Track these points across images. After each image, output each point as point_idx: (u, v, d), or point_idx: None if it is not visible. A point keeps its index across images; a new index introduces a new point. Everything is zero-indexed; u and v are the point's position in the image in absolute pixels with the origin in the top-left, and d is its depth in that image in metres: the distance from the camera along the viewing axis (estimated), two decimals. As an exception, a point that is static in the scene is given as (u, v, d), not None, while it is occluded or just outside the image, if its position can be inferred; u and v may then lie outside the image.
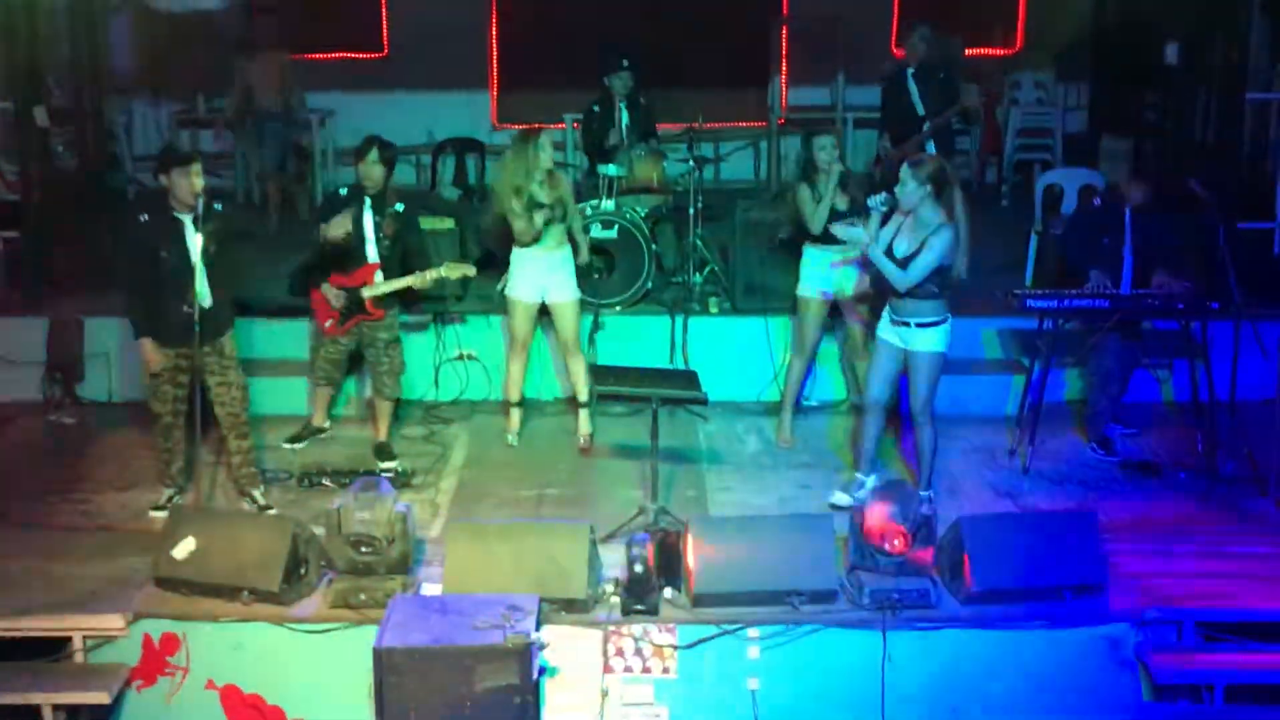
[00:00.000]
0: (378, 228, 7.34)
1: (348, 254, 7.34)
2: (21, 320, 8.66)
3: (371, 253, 7.36)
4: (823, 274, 7.62)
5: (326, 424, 7.94)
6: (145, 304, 6.74)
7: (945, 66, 9.30)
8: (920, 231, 6.56)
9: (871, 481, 6.94)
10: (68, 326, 8.53)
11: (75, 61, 9.28)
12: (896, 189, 6.61)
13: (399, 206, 7.43)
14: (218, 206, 6.74)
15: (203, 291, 6.63)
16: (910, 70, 8.90)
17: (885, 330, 6.83)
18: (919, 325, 6.66)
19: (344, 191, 7.47)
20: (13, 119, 9.25)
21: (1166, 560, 6.45)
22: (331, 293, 7.36)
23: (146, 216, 6.75)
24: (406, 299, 7.67)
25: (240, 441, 6.98)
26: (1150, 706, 6.05)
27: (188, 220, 6.63)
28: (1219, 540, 6.67)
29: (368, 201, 7.33)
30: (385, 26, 12.50)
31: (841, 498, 6.99)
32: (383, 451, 7.60)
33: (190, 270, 6.58)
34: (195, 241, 6.59)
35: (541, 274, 7.61)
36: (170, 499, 6.95)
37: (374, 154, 7.30)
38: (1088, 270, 7.45)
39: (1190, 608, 6.07)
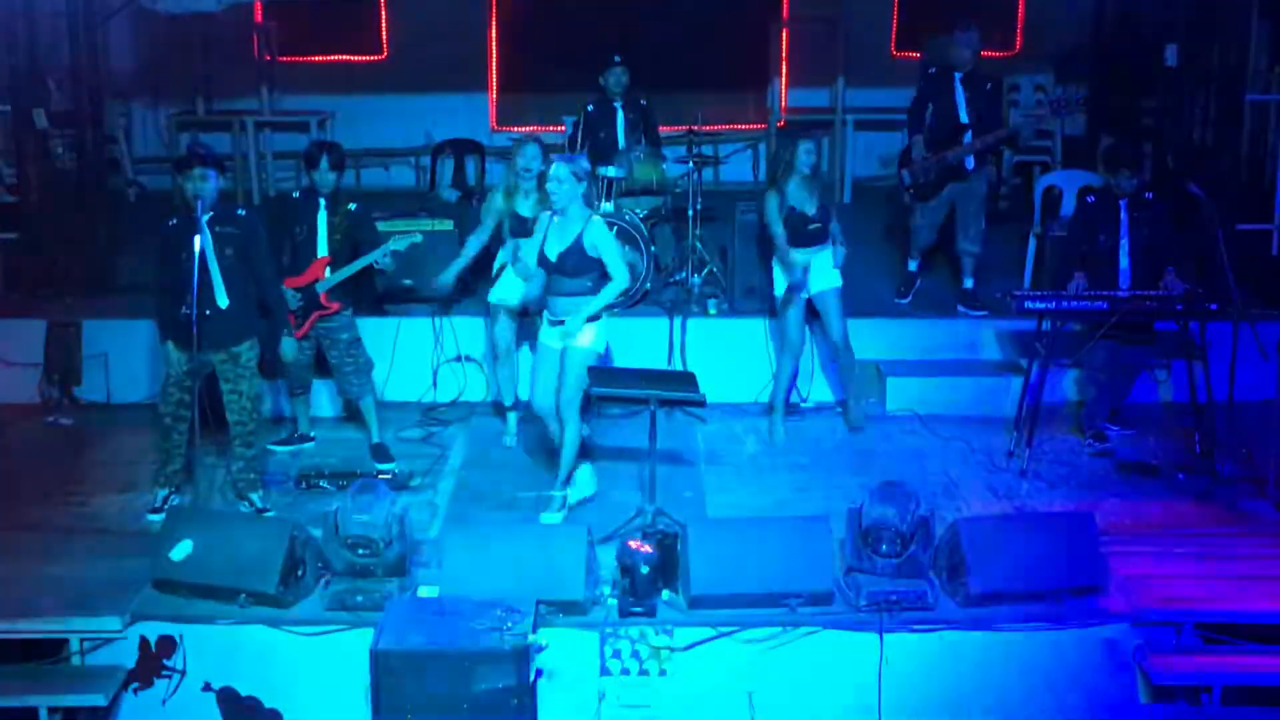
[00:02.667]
0: (332, 227, 7.39)
1: (302, 255, 7.39)
2: (20, 322, 8.65)
3: (322, 249, 7.40)
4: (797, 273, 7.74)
5: (312, 432, 7.95)
6: (165, 306, 6.79)
7: (996, 78, 8.90)
8: (570, 227, 6.67)
9: (571, 495, 6.95)
10: (66, 328, 8.53)
11: (74, 63, 9.28)
12: (549, 186, 6.72)
13: (352, 206, 7.49)
14: (240, 211, 6.81)
15: (221, 295, 6.67)
16: (959, 74, 8.58)
17: (546, 335, 6.88)
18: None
19: (296, 194, 7.55)
20: (12, 121, 9.27)
21: (1165, 561, 6.44)
22: (288, 293, 7.36)
23: (175, 220, 6.79)
24: (362, 295, 7.73)
25: (245, 450, 6.98)
26: (1148, 708, 6.04)
27: (205, 222, 6.66)
28: (1217, 541, 6.66)
29: (322, 202, 7.39)
30: (384, 29, 12.51)
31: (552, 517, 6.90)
32: (380, 453, 7.60)
33: (205, 273, 6.61)
34: (212, 243, 6.64)
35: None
36: (165, 500, 6.95)
37: (325, 162, 7.33)
38: (1073, 272, 7.47)
39: (1189, 609, 6.06)
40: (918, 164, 8.65)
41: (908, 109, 9.02)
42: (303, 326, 7.43)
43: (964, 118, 8.55)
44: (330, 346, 7.53)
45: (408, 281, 8.46)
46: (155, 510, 6.92)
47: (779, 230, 7.67)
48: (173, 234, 6.72)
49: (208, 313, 6.59)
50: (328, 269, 7.37)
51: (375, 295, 8.40)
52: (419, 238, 7.57)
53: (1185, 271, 7.56)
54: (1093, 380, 7.86)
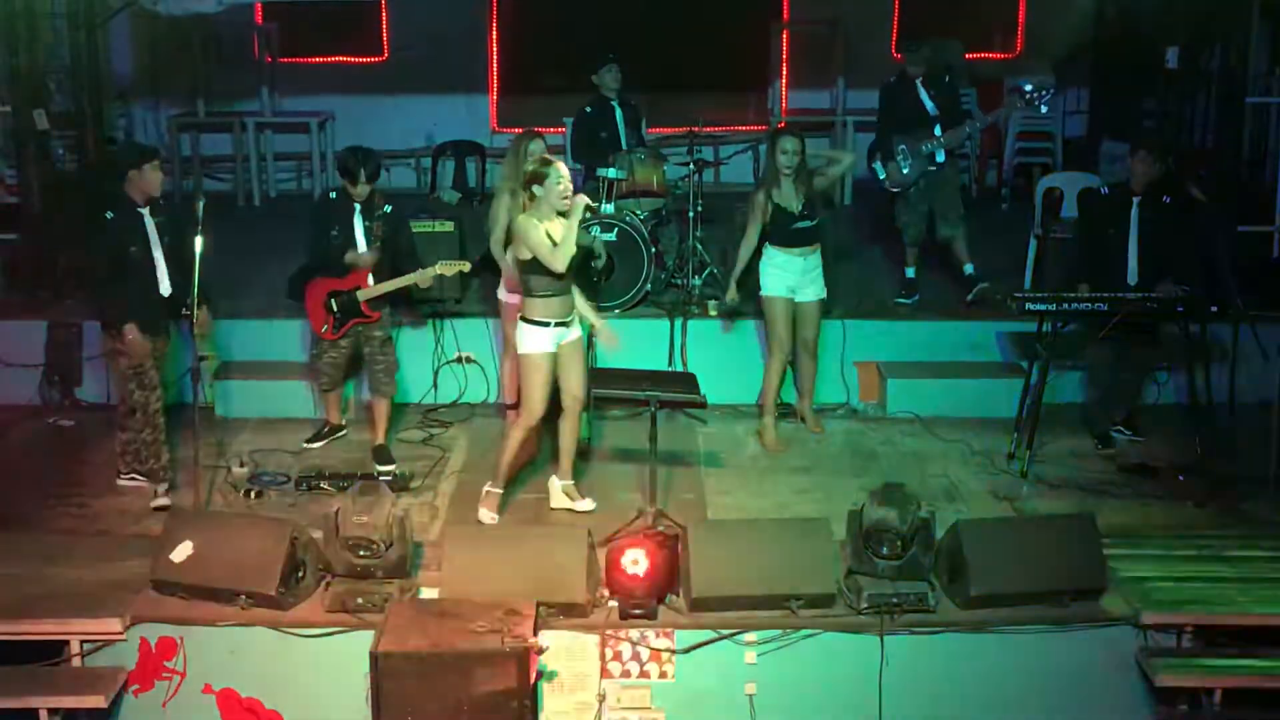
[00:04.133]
0: (368, 232, 7.38)
1: (340, 259, 7.37)
2: (20, 323, 8.66)
3: None
4: (784, 275, 7.76)
5: (344, 423, 7.96)
6: (123, 297, 6.87)
7: (947, 70, 9.40)
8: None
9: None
10: (67, 329, 8.54)
11: (75, 64, 9.29)
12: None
13: (387, 209, 7.48)
14: (161, 200, 6.99)
15: (164, 281, 6.87)
16: (919, 79, 8.92)
17: (555, 340, 6.72)
18: None
19: (334, 195, 7.53)
20: (12, 122, 9.27)
21: (1165, 564, 6.44)
22: (326, 290, 7.37)
23: (112, 214, 6.88)
24: (399, 299, 7.70)
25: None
26: (1149, 710, 6.04)
27: (146, 213, 6.85)
28: (1218, 544, 6.66)
29: (357, 207, 7.37)
30: (385, 30, 12.51)
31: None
32: (381, 455, 7.59)
33: (154, 260, 6.84)
34: (154, 232, 6.86)
35: None
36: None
37: (363, 174, 7.29)
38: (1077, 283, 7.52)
39: (1189, 611, 6.06)
40: (898, 165, 8.91)
41: (877, 123, 9.36)
42: (341, 329, 7.44)
43: (932, 110, 8.89)
44: (365, 343, 7.56)
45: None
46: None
47: (753, 227, 7.79)
48: (116, 226, 6.84)
49: (154, 297, 6.83)
50: (370, 276, 7.37)
51: (410, 300, 8.34)
52: (468, 267, 7.67)
53: (1188, 274, 7.55)
54: (1088, 383, 7.85)
